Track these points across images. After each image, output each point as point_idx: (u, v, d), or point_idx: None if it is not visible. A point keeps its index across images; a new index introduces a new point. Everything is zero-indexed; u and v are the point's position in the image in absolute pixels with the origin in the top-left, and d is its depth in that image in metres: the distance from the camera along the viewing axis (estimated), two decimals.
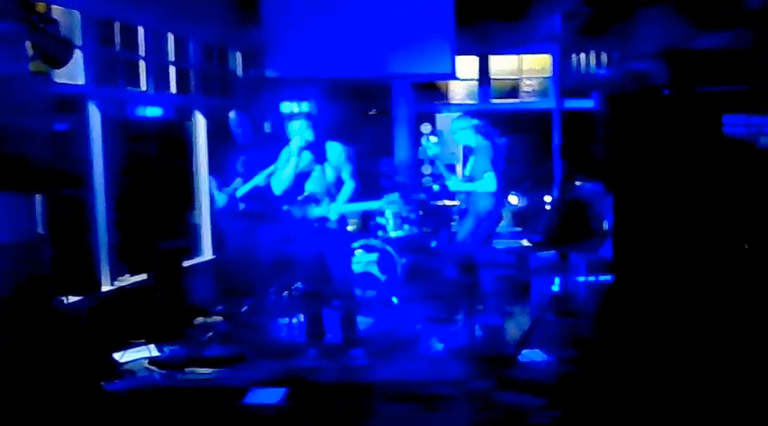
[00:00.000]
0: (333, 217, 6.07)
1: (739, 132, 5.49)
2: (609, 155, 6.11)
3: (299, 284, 6.76)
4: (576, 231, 8.07)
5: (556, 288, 7.78)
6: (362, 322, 6.71)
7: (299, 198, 6.12)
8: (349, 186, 6.14)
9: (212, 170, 7.95)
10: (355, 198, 6.21)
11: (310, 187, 6.16)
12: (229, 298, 7.57)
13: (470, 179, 7.01)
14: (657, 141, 5.49)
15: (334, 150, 6.18)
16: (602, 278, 7.24)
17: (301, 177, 6.14)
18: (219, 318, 7.27)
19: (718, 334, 5.18)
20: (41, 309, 5.15)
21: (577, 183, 9.55)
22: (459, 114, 7.67)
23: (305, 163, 6.11)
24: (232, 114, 6.93)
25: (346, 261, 6.42)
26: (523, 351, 6.11)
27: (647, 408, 4.73)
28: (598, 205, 8.05)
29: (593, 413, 4.83)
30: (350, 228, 6.59)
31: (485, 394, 5.25)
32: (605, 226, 7.83)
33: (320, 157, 6.16)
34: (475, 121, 7.17)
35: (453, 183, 7.19)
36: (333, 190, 6.13)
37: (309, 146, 6.10)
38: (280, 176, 6.17)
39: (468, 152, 7.38)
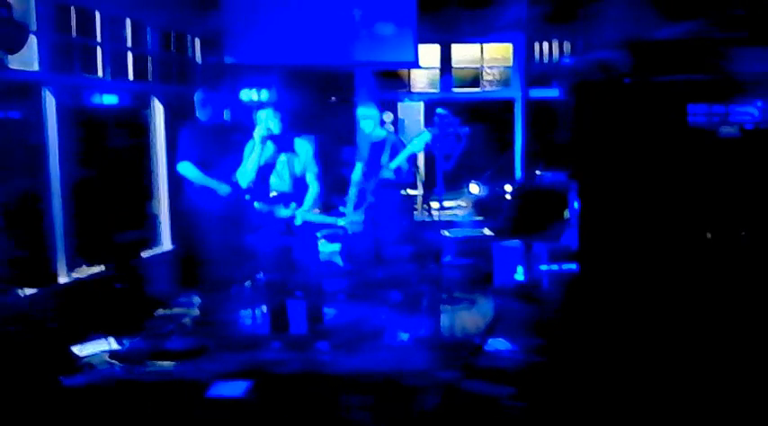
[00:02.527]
0: (297, 222, 6.03)
1: (701, 121, 5.53)
2: (574, 144, 6.13)
3: (261, 274, 6.68)
4: (537, 220, 8.12)
5: (519, 276, 7.80)
6: (327, 313, 6.66)
7: (270, 196, 6.05)
8: (314, 190, 6.11)
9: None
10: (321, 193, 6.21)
11: (275, 180, 6.08)
12: (190, 290, 7.46)
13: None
14: (622, 130, 5.53)
15: (303, 147, 6.13)
16: (565, 266, 7.28)
17: (266, 169, 6.06)
18: (180, 310, 7.16)
19: (683, 321, 5.24)
20: None
21: (538, 172, 9.60)
22: (369, 104, 7.75)
23: (268, 153, 6.03)
24: (199, 94, 6.74)
25: (313, 251, 6.37)
26: (488, 340, 6.12)
27: (613, 396, 4.76)
28: (559, 193, 8.10)
29: (559, 401, 4.85)
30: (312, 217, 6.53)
31: (451, 383, 5.24)
32: (566, 214, 7.89)
33: (283, 148, 6.08)
34: (375, 112, 7.48)
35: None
36: (299, 184, 6.08)
37: (272, 136, 6.01)
38: (244, 168, 6.07)
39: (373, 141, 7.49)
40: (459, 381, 5.28)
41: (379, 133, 7.44)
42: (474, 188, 10.16)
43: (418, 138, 7.15)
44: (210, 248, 6.52)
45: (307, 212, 6.08)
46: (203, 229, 6.51)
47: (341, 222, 6.38)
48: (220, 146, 6.53)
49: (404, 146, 7.50)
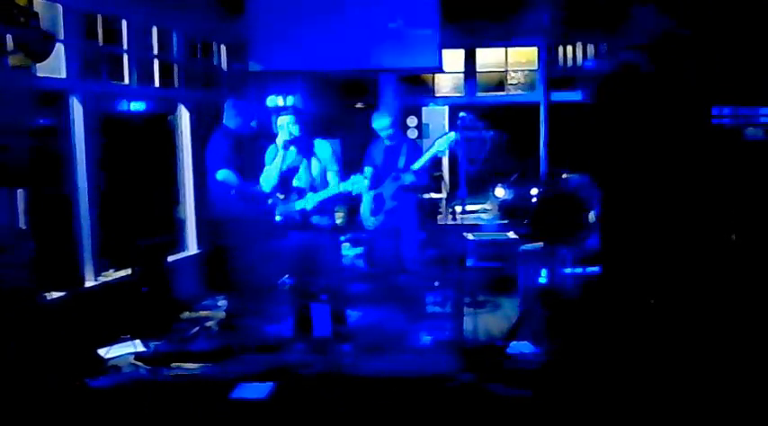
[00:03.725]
0: (309, 206, 6.01)
1: (726, 123, 5.49)
2: (597, 147, 6.10)
3: (286, 278, 6.71)
4: (563, 223, 8.07)
5: (543, 279, 7.76)
6: (350, 316, 6.67)
7: (282, 196, 6.08)
8: (333, 187, 6.05)
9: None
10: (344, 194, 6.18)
11: (297, 183, 6.10)
12: (216, 293, 7.52)
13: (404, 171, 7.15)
14: (646, 132, 5.49)
15: (323, 148, 6.13)
16: (589, 269, 7.23)
17: (289, 173, 6.09)
18: (205, 313, 7.21)
19: (706, 325, 5.18)
20: (25, 305, 5.09)
21: (563, 176, 9.55)
22: (382, 113, 7.63)
23: (291, 158, 6.05)
24: (229, 102, 6.77)
25: (337, 253, 6.39)
26: (512, 343, 6.10)
27: (635, 400, 4.73)
28: (584, 197, 8.04)
29: (582, 404, 4.82)
30: (337, 222, 6.54)
31: (474, 386, 5.23)
32: (591, 218, 7.83)
33: (306, 152, 6.10)
34: (388, 122, 7.24)
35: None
36: (317, 184, 6.07)
37: (295, 141, 6.04)
38: (268, 173, 6.10)
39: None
40: (483, 384, 5.26)
41: (396, 139, 7.31)
42: (499, 191, 10.13)
43: (443, 139, 7.03)
44: (242, 253, 6.55)
45: (316, 195, 6.03)
46: (237, 234, 6.53)
47: (345, 186, 6.13)
48: (249, 153, 6.58)
49: (421, 149, 7.43)
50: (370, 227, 7.31)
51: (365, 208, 7.31)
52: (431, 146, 7.14)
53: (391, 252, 7.36)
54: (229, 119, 6.72)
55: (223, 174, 6.44)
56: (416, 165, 7.01)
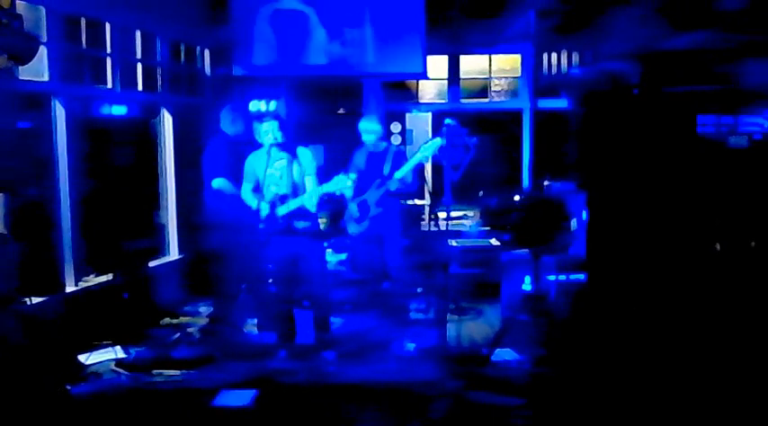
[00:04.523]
0: (289, 209, 5.99)
1: (710, 131, 5.52)
2: (582, 154, 6.12)
3: (268, 284, 6.67)
4: (545, 230, 8.09)
5: (527, 287, 7.77)
6: (334, 322, 6.65)
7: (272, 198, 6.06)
8: (311, 190, 6.01)
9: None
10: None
11: (278, 189, 6.07)
12: (197, 299, 7.47)
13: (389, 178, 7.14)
14: (630, 140, 5.51)
15: (304, 154, 6.12)
16: (573, 276, 7.25)
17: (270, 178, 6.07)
18: (187, 319, 7.16)
19: (692, 332, 5.21)
20: (5, 310, 5.03)
21: (546, 183, 9.59)
22: (371, 117, 7.64)
23: (275, 161, 6.04)
24: (227, 110, 6.73)
25: (321, 260, 6.37)
26: (496, 351, 6.10)
27: (620, 407, 4.73)
28: (567, 204, 8.07)
29: (566, 412, 4.83)
30: (320, 227, 6.52)
31: (458, 393, 5.22)
32: (574, 224, 7.85)
33: (290, 155, 6.08)
34: (378, 127, 7.30)
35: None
36: (299, 190, 6.05)
37: (279, 145, 6.03)
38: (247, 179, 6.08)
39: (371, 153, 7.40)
40: (466, 392, 5.26)
41: (380, 145, 7.34)
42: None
43: (429, 144, 7.02)
44: (228, 259, 6.51)
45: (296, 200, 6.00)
46: (231, 241, 6.48)
47: (327, 187, 6.08)
48: (240, 159, 6.55)
49: (405, 155, 7.44)
50: (355, 234, 7.30)
51: (349, 214, 7.31)
52: (416, 152, 7.14)
53: (375, 259, 7.34)
54: (227, 126, 6.69)
55: (218, 183, 6.40)
56: (402, 171, 7.01)
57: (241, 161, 6.37)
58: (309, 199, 5.91)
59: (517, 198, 9.64)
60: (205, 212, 6.65)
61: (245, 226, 6.30)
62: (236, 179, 6.35)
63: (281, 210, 6.00)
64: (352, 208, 7.24)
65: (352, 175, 7.16)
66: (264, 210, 6.04)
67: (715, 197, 5.41)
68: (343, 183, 5.90)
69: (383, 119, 9.80)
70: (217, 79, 9.15)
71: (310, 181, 6.05)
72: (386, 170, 7.14)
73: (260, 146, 6.17)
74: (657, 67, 5.65)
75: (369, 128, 7.24)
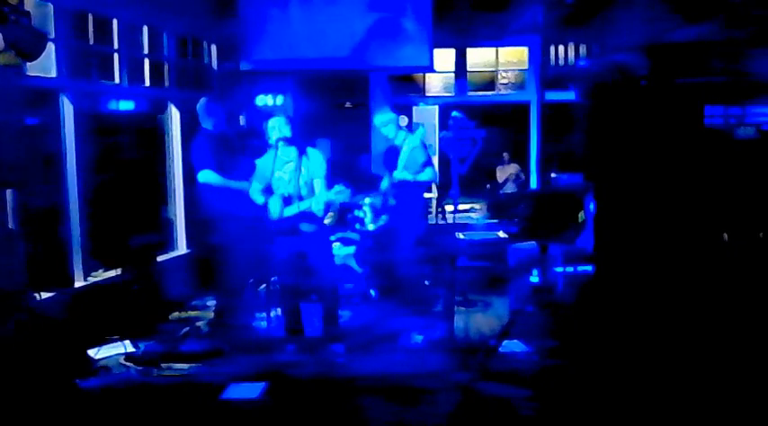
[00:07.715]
0: (287, 213, 5.98)
1: (717, 123, 5.51)
2: (590, 146, 6.11)
3: (276, 277, 6.69)
4: (553, 222, 8.09)
5: (535, 279, 7.78)
6: (342, 315, 6.65)
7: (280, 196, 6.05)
8: (319, 194, 5.98)
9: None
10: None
11: (285, 190, 6.05)
12: (206, 293, 7.49)
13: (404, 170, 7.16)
14: (638, 132, 5.50)
15: (314, 156, 6.07)
16: (580, 268, 7.25)
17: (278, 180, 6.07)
18: (195, 313, 7.18)
19: (699, 324, 5.20)
20: (15, 305, 5.06)
21: (553, 175, 9.58)
22: (384, 109, 7.62)
23: (284, 156, 6.02)
24: (202, 102, 6.70)
25: (328, 254, 6.36)
26: (504, 342, 6.10)
27: (628, 398, 4.73)
28: (574, 196, 8.07)
29: (574, 403, 4.83)
30: (327, 221, 6.50)
31: (466, 385, 5.23)
32: (582, 217, 7.85)
33: (299, 152, 6.07)
34: (393, 115, 7.29)
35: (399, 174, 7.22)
36: (304, 193, 6.02)
37: (286, 140, 6.01)
38: (260, 172, 6.06)
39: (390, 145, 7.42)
40: (475, 383, 5.27)
41: (401, 136, 7.29)
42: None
43: (339, 193, 6.12)
44: (230, 252, 6.52)
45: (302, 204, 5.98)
46: (225, 233, 6.49)
47: (327, 197, 6.04)
48: (231, 153, 6.54)
49: (425, 147, 7.39)
50: (372, 230, 7.33)
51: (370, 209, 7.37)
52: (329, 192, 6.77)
53: (384, 252, 7.36)
54: (204, 121, 6.67)
55: (204, 175, 6.40)
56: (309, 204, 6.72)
57: (228, 152, 6.37)
58: (317, 204, 5.89)
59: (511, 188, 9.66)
60: (200, 207, 6.66)
61: (240, 218, 6.31)
62: (223, 169, 6.36)
63: (288, 211, 5.98)
64: (376, 202, 7.30)
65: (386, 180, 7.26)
66: (274, 210, 6.00)
67: (723, 188, 5.40)
68: (343, 194, 5.87)
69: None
70: (224, 74, 9.15)
71: (319, 184, 6.02)
72: (401, 162, 7.15)
73: (251, 138, 6.15)
74: (665, 59, 5.64)
75: (384, 120, 7.23)
